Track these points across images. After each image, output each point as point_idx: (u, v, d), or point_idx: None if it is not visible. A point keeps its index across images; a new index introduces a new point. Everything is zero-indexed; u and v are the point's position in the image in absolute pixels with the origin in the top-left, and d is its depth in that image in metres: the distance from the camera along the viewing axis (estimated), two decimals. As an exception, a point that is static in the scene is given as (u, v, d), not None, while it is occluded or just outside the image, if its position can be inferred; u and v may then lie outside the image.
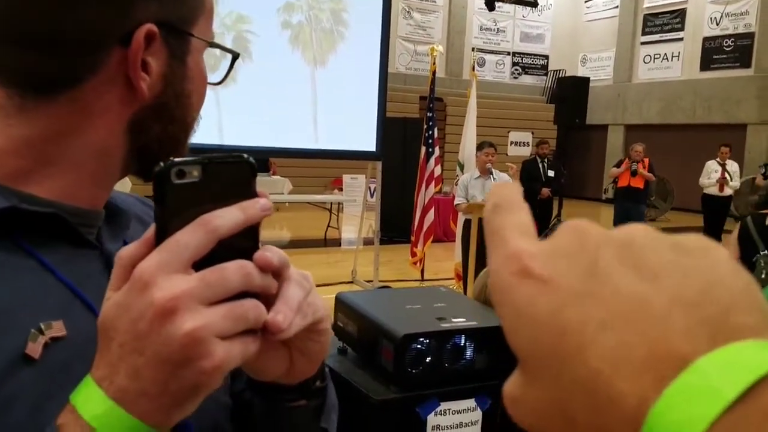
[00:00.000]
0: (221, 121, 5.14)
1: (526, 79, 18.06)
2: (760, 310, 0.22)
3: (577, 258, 0.24)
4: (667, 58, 16.36)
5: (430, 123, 6.36)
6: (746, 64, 14.65)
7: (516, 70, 17.91)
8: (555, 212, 8.70)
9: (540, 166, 8.27)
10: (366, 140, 5.88)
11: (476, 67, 7.35)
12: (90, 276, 0.53)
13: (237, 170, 0.42)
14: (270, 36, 5.53)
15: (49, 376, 0.47)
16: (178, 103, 0.57)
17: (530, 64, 18.10)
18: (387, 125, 6.14)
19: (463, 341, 1.57)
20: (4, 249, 0.51)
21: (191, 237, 0.39)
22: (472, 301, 2.11)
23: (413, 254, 6.39)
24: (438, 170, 6.37)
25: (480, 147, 5.99)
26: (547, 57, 18.25)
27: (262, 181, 11.27)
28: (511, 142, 16.29)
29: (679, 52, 16.09)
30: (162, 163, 0.40)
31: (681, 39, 16.05)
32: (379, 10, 5.79)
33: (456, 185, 6.16)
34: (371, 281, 6.08)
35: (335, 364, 1.70)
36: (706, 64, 15.47)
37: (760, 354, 0.20)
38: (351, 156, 6.36)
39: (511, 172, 6.02)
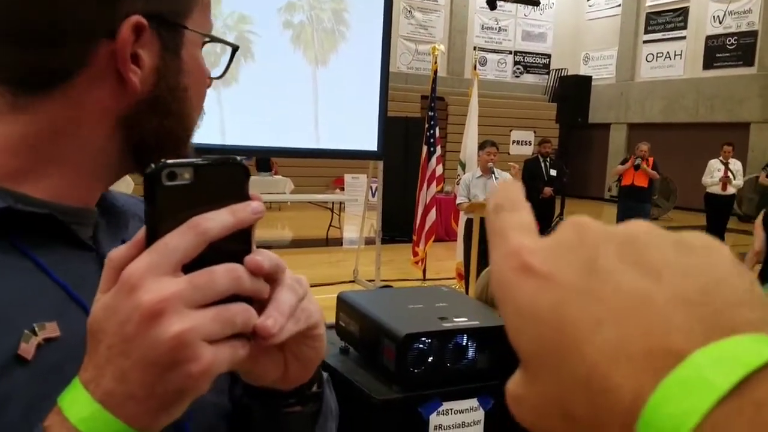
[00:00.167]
0: (223, 121, 5.14)
1: (528, 78, 18.04)
2: (760, 307, 0.22)
3: (577, 254, 0.24)
4: (669, 57, 16.33)
5: (432, 122, 6.36)
6: (749, 63, 14.62)
7: (518, 69, 17.89)
8: (557, 211, 8.69)
9: (542, 165, 8.25)
10: (367, 140, 5.88)
11: (478, 66, 7.34)
12: (85, 277, 0.53)
13: (229, 173, 0.42)
14: (271, 36, 5.53)
15: (42, 376, 0.46)
16: (173, 96, 0.56)
17: (532, 63, 18.08)
18: (388, 124, 6.14)
19: (465, 341, 1.57)
20: (1, 250, 0.50)
21: (181, 239, 0.38)
22: (474, 300, 2.11)
23: (415, 254, 6.38)
24: (440, 169, 6.37)
25: (482, 146, 5.98)
26: (549, 56, 18.23)
27: (264, 180, 11.24)
28: (513, 141, 16.28)
29: (681, 51, 16.06)
30: (153, 165, 0.39)
31: (684, 37, 16.02)
32: (380, 10, 5.78)
33: (458, 184, 6.16)
34: (373, 281, 6.08)
35: (337, 363, 1.70)
36: (708, 62, 15.44)
37: (754, 347, 0.20)
38: (352, 155, 6.36)
39: (513, 172, 6.02)
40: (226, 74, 0.64)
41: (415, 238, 6.36)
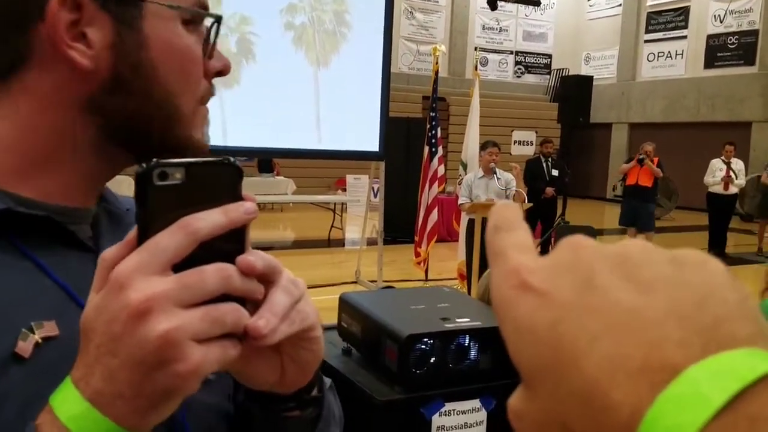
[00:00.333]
0: (225, 122, 5.15)
1: (529, 78, 18.03)
2: (754, 321, 0.22)
3: (574, 273, 0.24)
4: (671, 56, 16.31)
5: (433, 123, 6.36)
6: (750, 62, 14.60)
7: (519, 69, 17.88)
8: (559, 211, 8.68)
9: (544, 165, 8.25)
10: (369, 140, 5.88)
11: (479, 66, 7.34)
12: (85, 278, 0.53)
13: (222, 173, 0.41)
14: (273, 37, 5.54)
15: (38, 375, 0.46)
16: (136, 74, 0.53)
17: (533, 63, 18.07)
18: (390, 125, 6.14)
19: (467, 341, 1.56)
20: (0, 249, 0.50)
21: (171, 239, 0.38)
22: (476, 301, 2.11)
23: (417, 254, 6.38)
24: (441, 170, 6.37)
25: (483, 146, 5.98)
26: (550, 56, 18.22)
27: (266, 181, 11.22)
28: (515, 142, 16.27)
29: (683, 50, 16.05)
30: (144, 165, 0.39)
31: (685, 37, 16.00)
32: (381, 11, 5.79)
33: (459, 185, 6.16)
34: (375, 281, 6.08)
35: (339, 364, 1.70)
36: (710, 61, 15.42)
37: (749, 361, 0.20)
38: (354, 156, 6.36)
39: (515, 173, 6.01)
40: (213, 53, 0.58)
41: (417, 238, 6.36)
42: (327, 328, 1.87)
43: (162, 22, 0.54)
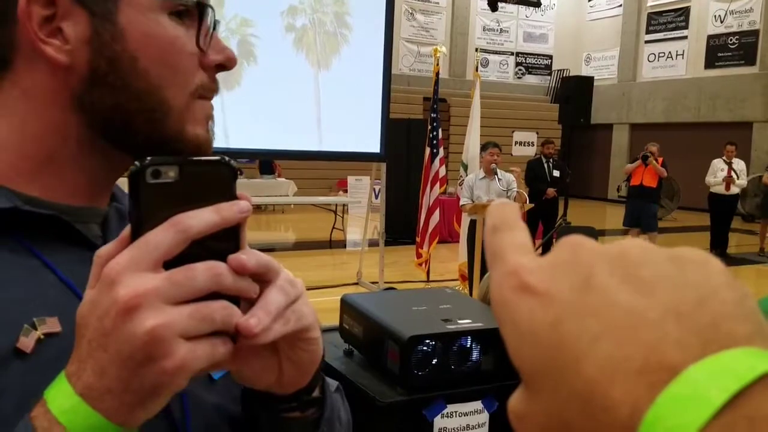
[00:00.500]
0: (226, 124, 5.16)
1: (530, 79, 18.03)
2: (753, 320, 0.22)
3: (573, 273, 0.24)
4: (671, 57, 16.31)
5: (434, 124, 6.36)
6: (751, 62, 14.59)
7: (519, 70, 17.88)
8: (561, 212, 8.67)
9: (545, 166, 8.24)
10: (370, 142, 5.89)
11: (479, 67, 7.35)
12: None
13: (216, 172, 0.42)
14: (274, 39, 5.55)
15: (39, 370, 0.46)
16: (113, 67, 0.52)
17: (534, 64, 18.07)
18: (391, 127, 6.15)
19: (469, 343, 1.56)
20: (6, 247, 0.51)
21: (162, 236, 0.38)
22: (477, 302, 2.11)
23: (418, 255, 6.38)
24: (443, 171, 6.37)
25: (484, 147, 5.98)
26: (550, 57, 18.22)
27: (267, 183, 11.24)
28: (516, 142, 16.27)
29: (683, 51, 16.04)
30: (137, 163, 0.40)
31: (685, 37, 16.00)
32: (382, 13, 5.80)
33: (460, 186, 6.16)
34: (376, 283, 6.07)
35: (341, 366, 1.70)
36: (710, 62, 15.41)
37: (748, 361, 0.20)
38: (355, 158, 6.36)
39: (516, 175, 6.01)
40: (201, 43, 0.56)
41: (418, 239, 6.36)
42: (328, 330, 1.86)
43: (140, 14, 0.53)
